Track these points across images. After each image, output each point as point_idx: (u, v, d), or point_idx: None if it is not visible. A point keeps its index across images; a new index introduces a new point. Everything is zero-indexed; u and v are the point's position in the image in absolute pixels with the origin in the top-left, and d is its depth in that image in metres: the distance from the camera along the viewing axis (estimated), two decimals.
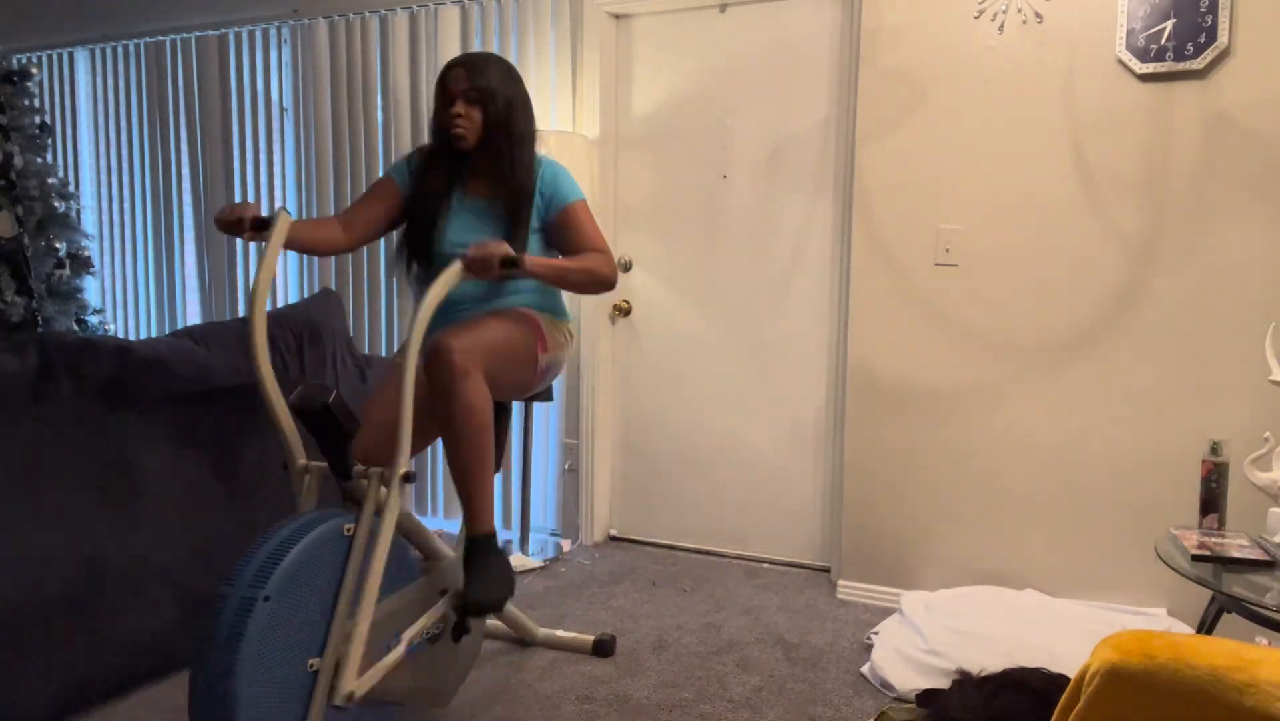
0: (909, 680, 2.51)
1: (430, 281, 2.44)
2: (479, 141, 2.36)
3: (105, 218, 4.94)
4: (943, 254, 3.08)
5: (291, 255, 4.40)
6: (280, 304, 4.45)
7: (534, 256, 2.19)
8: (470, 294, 2.39)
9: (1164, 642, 1.33)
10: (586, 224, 2.40)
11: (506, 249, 2.08)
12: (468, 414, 2.12)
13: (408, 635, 2.05)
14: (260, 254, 2.11)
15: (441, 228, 2.40)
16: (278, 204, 4.42)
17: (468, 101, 2.32)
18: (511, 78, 2.38)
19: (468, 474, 2.16)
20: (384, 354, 4.18)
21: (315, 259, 4.31)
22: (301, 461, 2.11)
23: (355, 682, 1.87)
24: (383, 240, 4.12)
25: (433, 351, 2.11)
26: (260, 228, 2.18)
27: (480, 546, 2.18)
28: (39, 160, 4.52)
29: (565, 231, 2.40)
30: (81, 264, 4.64)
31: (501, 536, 3.88)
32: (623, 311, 3.80)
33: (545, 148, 3.42)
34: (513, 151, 2.36)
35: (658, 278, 3.73)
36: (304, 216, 4.33)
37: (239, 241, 4.53)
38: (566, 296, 2.74)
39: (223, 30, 4.42)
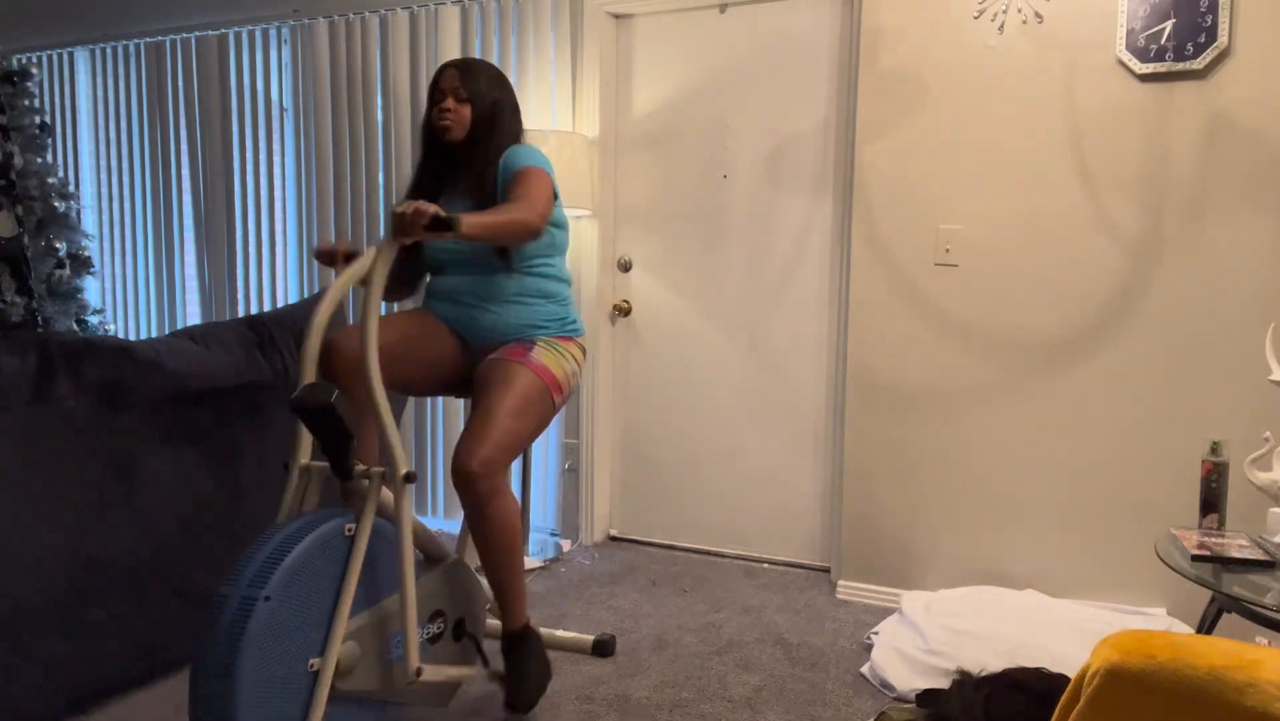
0: (909, 680, 2.51)
1: (435, 274, 2.47)
2: (466, 141, 2.38)
3: (105, 218, 4.94)
4: (943, 254, 3.08)
5: (292, 255, 4.41)
6: (280, 304, 4.45)
7: (465, 215, 2.07)
8: (474, 289, 2.39)
9: (1164, 642, 1.33)
10: (524, 180, 2.29)
11: (436, 209, 2.00)
12: (499, 530, 2.18)
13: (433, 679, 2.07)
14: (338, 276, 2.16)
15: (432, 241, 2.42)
16: (277, 203, 4.42)
17: (458, 100, 2.37)
18: (501, 84, 2.43)
19: (500, 575, 2.23)
20: None
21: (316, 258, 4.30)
22: (302, 461, 2.11)
23: (418, 661, 1.97)
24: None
25: (455, 470, 2.14)
26: (350, 260, 2.34)
27: (518, 642, 2.27)
28: (39, 160, 4.52)
29: (508, 192, 2.31)
30: (81, 264, 4.64)
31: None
32: (623, 311, 3.80)
33: (545, 148, 3.43)
34: (495, 154, 2.37)
35: (658, 278, 3.73)
36: (304, 216, 4.33)
37: (239, 242, 4.53)
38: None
39: (223, 30, 4.42)
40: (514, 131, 2.44)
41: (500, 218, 2.13)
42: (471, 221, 2.06)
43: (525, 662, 2.26)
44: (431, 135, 2.45)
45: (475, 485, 2.12)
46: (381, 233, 4.11)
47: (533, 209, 2.21)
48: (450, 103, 2.36)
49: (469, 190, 2.41)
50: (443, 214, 2.00)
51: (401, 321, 2.39)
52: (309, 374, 2.10)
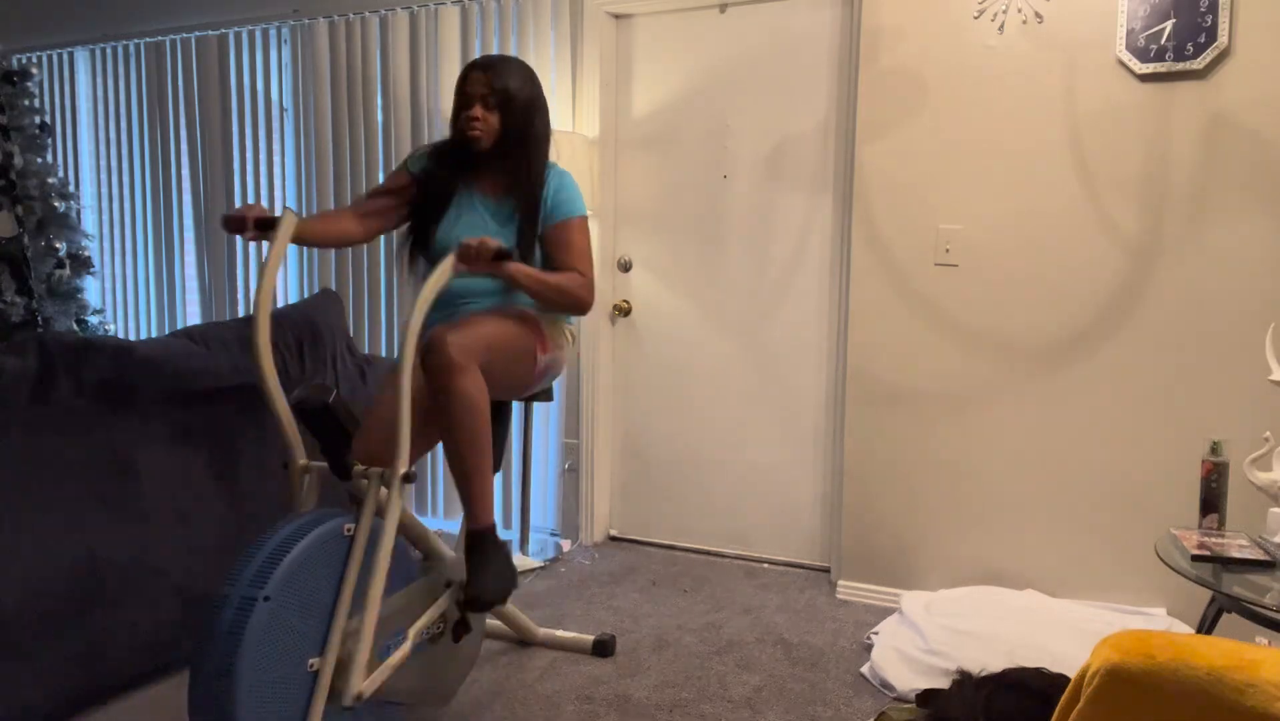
0: (909, 680, 2.51)
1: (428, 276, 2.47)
2: (495, 144, 2.35)
3: (105, 218, 4.94)
4: (943, 254, 3.08)
5: (292, 255, 4.40)
6: (280, 304, 4.45)
7: (522, 267, 2.19)
8: (475, 290, 2.39)
9: (1164, 642, 1.33)
10: (578, 242, 2.37)
11: (500, 243, 2.08)
12: (465, 408, 2.11)
13: (414, 629, 2.04)
14: (266, 254, 2.11)
15: (446, 224, 2.40)
16: (278, 203, 4.42)
17: (486, 106, 2.31)
18: (531, 80, 2.37)
19: (466, 467, 2.15)
20: (384, 354, 4.18)
21: (316, 258, 4.31)
22: (302, 461, 2.11)
23: (363, 683, 1.88)
24: (383, 239, 4.12)
25: (428, 345, 2.11)
26: (265, 227, 2.18)
27: (481, 540, 2.18)
28: (39, 160, 4.52)
29: (556, 245, 2.37)
30: (81, 264, 4.64)
31: (501, 536, 3.88)
32: (623, 311, 3.80)
33: (555, 153, 3.42)
34: (529, 155, 2.35)
35: (658, 278, 3.73)
36: (304, 216, 4.32)
37: (239, 241, 4.53)
38: None
39: (223, 30, 4.42)
40: (545, 131, 2.41)
41: (556, 281, 2.26)
42: (523, 271, 2.19)
43: (486, 561, 2.16)
44: (459, 133, 2.37)
45: (444, 351, 2.07)
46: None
47: (589, 287, 2.33)
48: (479, 110, 2.30)
49: (491, 189, 2.39)
50: (505, 247, 2.10)
51: (385, 396, 2.34)
52: (266, 360, 2.09)
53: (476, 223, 2.39)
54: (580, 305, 2.31)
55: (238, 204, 4.49)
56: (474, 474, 2.16)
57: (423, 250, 2.44)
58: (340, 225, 2.38)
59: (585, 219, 2.41)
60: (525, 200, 2.36)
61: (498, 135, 2.33)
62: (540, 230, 2.40)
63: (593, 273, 2.37)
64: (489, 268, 2.10)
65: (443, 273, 2.09)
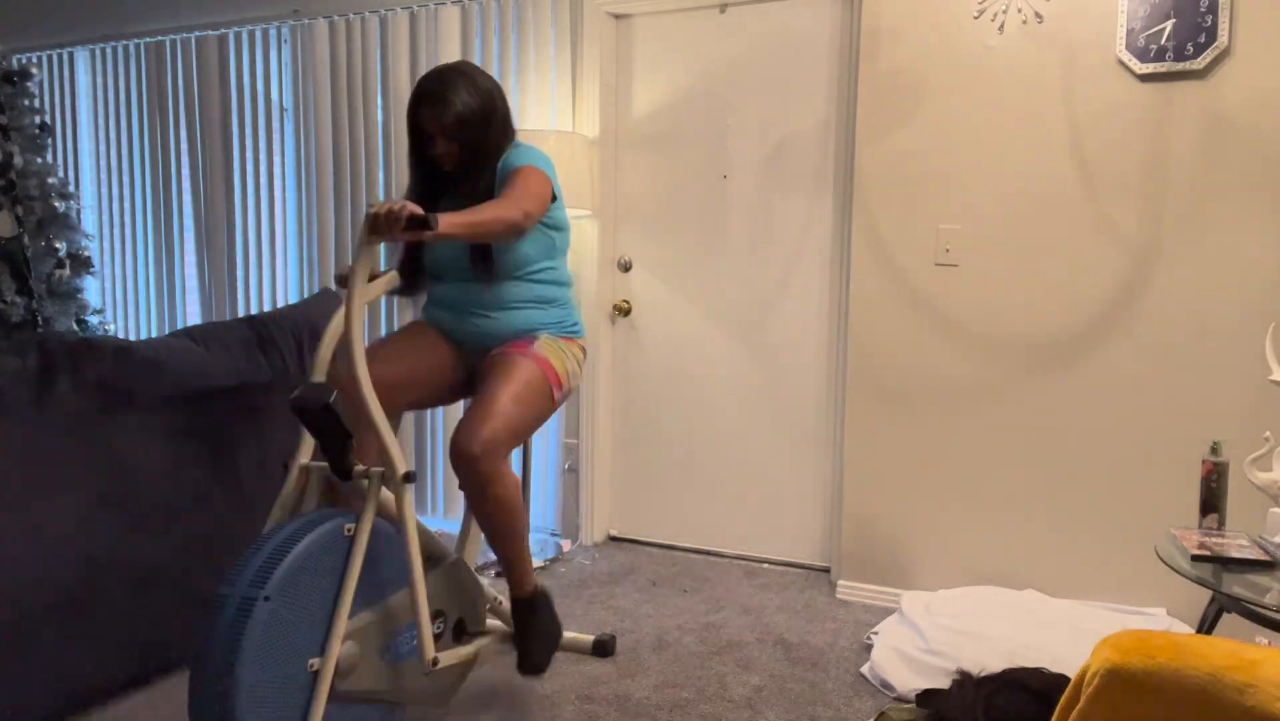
0: (909, 680, 2.51)
1: (435, 281, 2.46)
2: (460, 164, 2.34)
3: (105, 218, 4.94)
4: (943, 254, 3.08)
5: (292, 255, 4.41)
6: (280, 304, 4.45)
7: (444, 215, 2.03)
8: (483, 301, 2.37)
9: (1164, 642, 1.33)
10: (515, 177, 2.25)
11: (413, 207, 1.94)
12: (503, 510, 2.18)
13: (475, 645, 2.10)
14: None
15: (428, 248, 2.41)
16: (277, 203, 4.42)
17: (446, 137, 2.28)
18: (476, 87, 2.31)
19: (505, 545, 2.23)
20: None
21: (316, 258, 4.30)
22: (302, 461, 2.11)
23: (434, 651, 2.01)
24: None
25: (455, 452, 2.12)
26: (372, 280, 2.26)
27: (526, 608, 2.27)
28: (39, 160, 4.52)
29: (500, 191, 2.28)
30: (81, 264, 4.64)
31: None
32: (623, 311, 3.80)
33: (545, 148, 3.43)
34: (492, 157, 2.35)
35: (658, 278, 3.73)
36: (304, 216, 4.33)
37: (239, 242, 4.53)
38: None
39: (223, 30, 4.42)
40: (506, 126, 2.38)
41: (480, 215, 2.07)
42: (450, 220, 2.00)
43: (534, 625, 2.27)
44: (421, 158, 2.38)
45: (475, 466, 2.11)
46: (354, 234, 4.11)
47: (517, 206, 2.15)
48: (441, 144, 2.29)
49: (469, 195, 2.39)
50: (420, 212, 1.94)
51: (396, 347, 2.36)
52: (320, 375, 2.12)
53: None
54: (509, 224, 2.12)
55: (237, 204, 4.49)
56: (513, 552, 2.25)
57: (414, 274, 2.45)
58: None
59: (533, 166, 2.29)
60: (486, 190, 2.34)
61: (461, 155, 2.32)
62: (497, 192, 2.34)
63: (528, 202, 2.19)
64: (406, 236, 1.96)
65: (366, 256, 2.01)
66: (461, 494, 2.47)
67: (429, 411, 4.08)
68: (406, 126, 2.36)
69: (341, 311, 2.18)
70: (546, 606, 2.31)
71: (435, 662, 2.00)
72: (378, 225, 1.94)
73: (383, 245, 2.19)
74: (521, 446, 3.59)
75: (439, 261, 2.41)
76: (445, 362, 2.42)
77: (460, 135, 2.29)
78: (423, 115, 2.28)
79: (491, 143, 2.34)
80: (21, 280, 4.42)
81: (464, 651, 2.17)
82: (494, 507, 2.16)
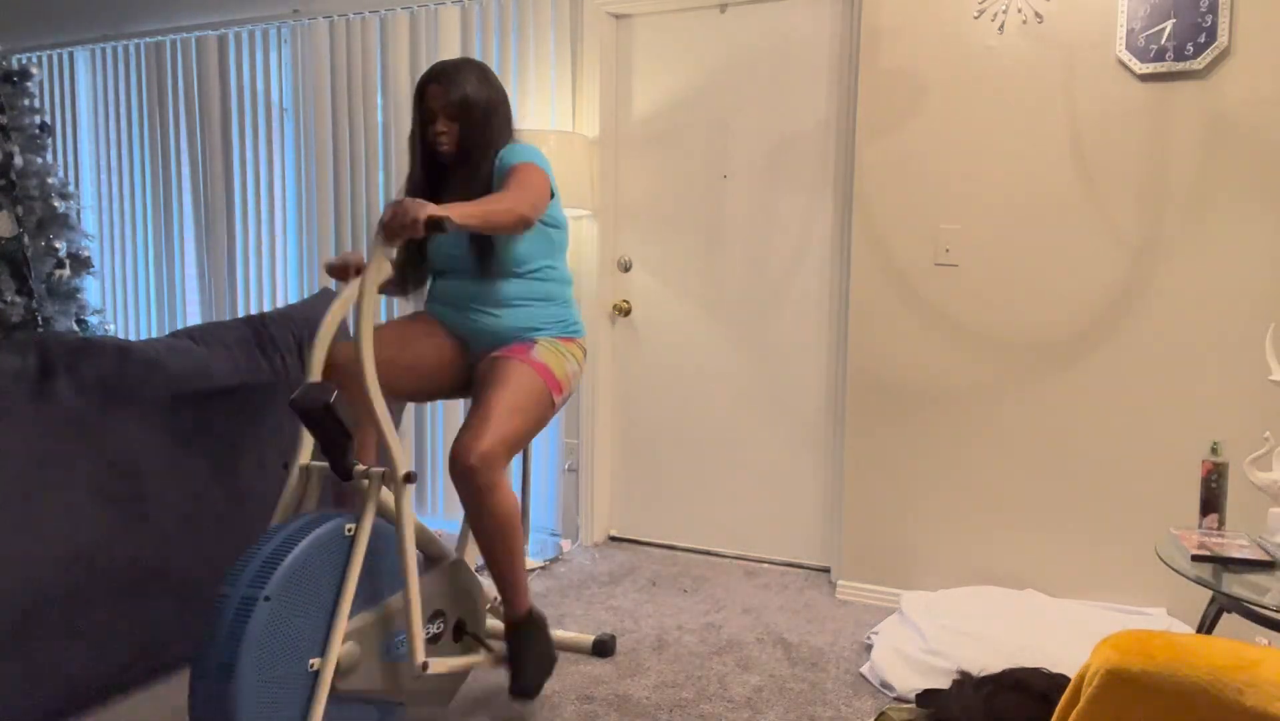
0: (909, 680, 2.51)
1: (438, 277, 2.46)
2: (459, 150, 2.36)
3: (105, 218, 4.94)
4: (943, 254, 3.08)
5: (291, 254, 4.41)
6: (280, 304, 4.45)
7: (454, 206, 2.04)
8: (483, 296, 2.37)
9: (1164, 642, 1.33)
10: (520, 175, 2.27)
11: (430, 208, 1.96)
12: (499, 522, 2.17)
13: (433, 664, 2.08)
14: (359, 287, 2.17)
15: (432, 241, 2.41)
16: (277, 202, 4.41)
17: (448, 117, 2.33)
18: (486, 81, 2.37)
19: (501, 564, 2.22)
20: None
21: (316, 258, 4.30)
22: (302, 461, 2.11)
23: (423, 656, 1.99)
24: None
25: (453, 464, 2.12)
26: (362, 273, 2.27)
27: (521, 629, 2.27)
28: (39, 160, 4.52)
29: (502, 187, 2.29)
30: (81, 264, 4.64)
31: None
32: (623, 311, 3.80)
33: (545, 148, 3.43)
34: (491, 154, 2.36)
35: (658, 278, 3.73)
36: (304, 216, 4.33)
37: (239, 242, 4.53)
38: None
39: (223, 30, 4.42)
40: (507, 127, 2.41)
41: (490, 205, 2.09)
42: (463, 211, 2.02)
43: (528, 649, 2.27)
44: (423, 144, 2.40)
45: (473, 479, 2.12)
46: (368, 237, 4.11)
47: (524, 198, 2.17)
48: (441, 123, 2.33)
49: (468, 192, 2.40)
50: (436, 212, 1.96)
51: (400, 332, 2.38)
52: (316, 375, 2.12)
53: (456, 232, 2.38)
54: (517, 216, 2.14)
55: (237, 204, 4.49)
56: (509, 568, 2.24)
57: (415, 270, 2.46)
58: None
59: (532, 163, 2.31)
60: (482, 189, 2.35)
61: (460, 141, 2.35)
62: (495, 189, 2.35)
63: (533, 196, 2.22)
64: (421, 234, 1.98)
65: (377, 260, 2.01)
66: None
67: (429, 412, 4.08)
68: (412, 107, 2.39)
69: (332, 310, 2.16)
70: (541, 629, 2.31)
71: (425, 666, 1.99)
72: (392, 231, 1.97)
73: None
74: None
75: (441, 257, 2.41)
76: (446, 356, 2.42)
77: (461, 118, 2.32)
78: (429, 91, 2.33)
79: (490, 137, 2.36)
80: (21, 280, 4.42)
81: (455, 662, 2.16)
82: (491, 521, 2.16)
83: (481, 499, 2.14)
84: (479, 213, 2.06)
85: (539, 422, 2.31)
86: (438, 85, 2.32)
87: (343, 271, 2.33)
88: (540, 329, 2.39)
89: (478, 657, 2.26)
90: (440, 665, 2.08)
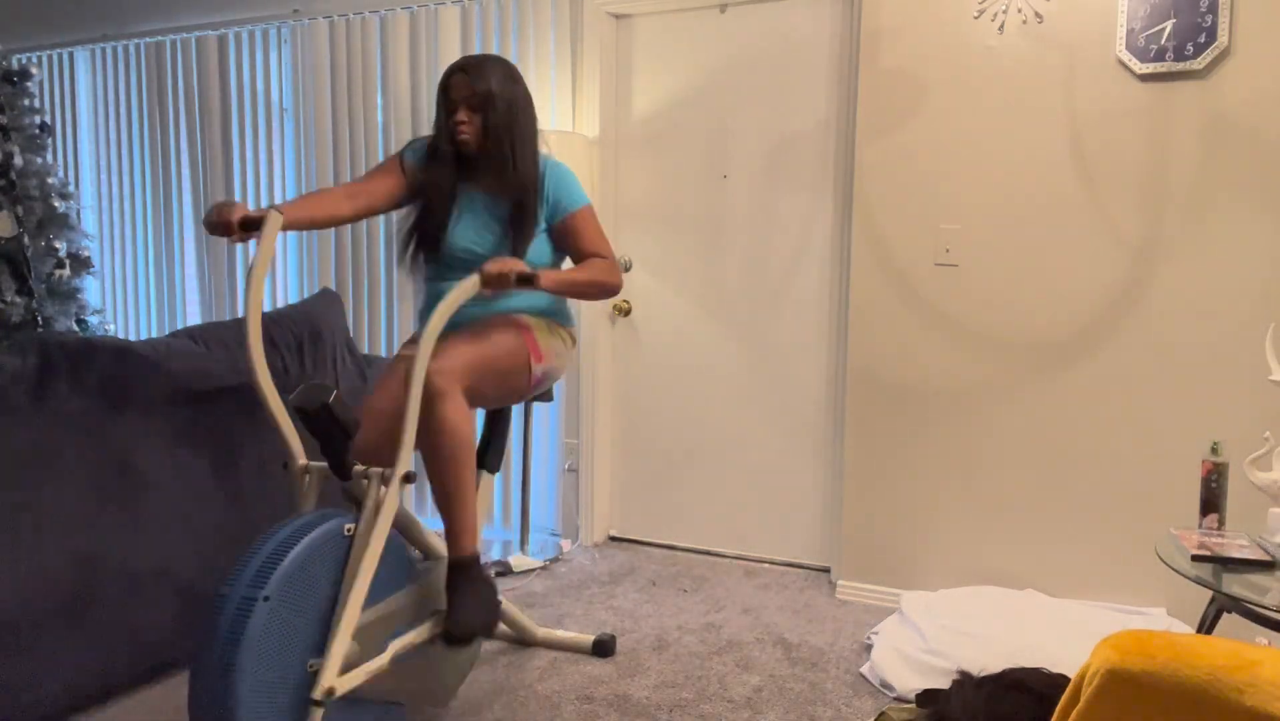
0: (909, 680, 2.51)
1: (438, 280, 2.46)
2: (481, 144, 2.36)
3: (105, 218, 4.94)
4: (943, 254, 3.08)
5: (291, 254, 4.40)
6: (280, 304, 4.45)
7: (548, 272, 2.21)
8: (477, 296, 2.38)
9: (1164, 642, 1.33)
10: (590, 230, 2.43)
11: (523, 266, 2.12)
12: (445, 434, 2.12)
13: (394, 647, 2.03)
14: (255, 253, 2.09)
15: (450, 225, 2.40)
16: (277, 202, 4.41)
17: (470, 108, 2.33)
18: (512, 78, 2.39)
19: (447, 494, 2.15)
20: (384, 354, 4.18)
21: (316, 258, 4.30)
22: (301, 461, 2.11)
23: (335, 680, 1.85)
24: (382, 239, 4.12)
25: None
26: (250, 228, 2.13)
27: (463, 570, 2.15)
28: (39, 160, 4.52)
29: (569, 237, 2.43)
30: (81, 264, 4.64)
31: (501, 536, 3.89)
32: (623, 311, 3.80)
33: (546, 147, 3.42)
34: (515, 152, 2.37)
35: (658, 278, 3.73)
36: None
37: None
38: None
39: (223, 30, 4.42)
40: (531, 126, 2.42)
41: (584, 277, 2.30)
42: (554, 278, 2.21)
43: (465, 591, 2.13)
44: (446, 137, 2.38)
45: (428, 382, 2.09)
46: (382, 232, 4.11)
47: (613, 269, 2.37)
48: (464, 113, 2.33)
49: (487, 188, 2.40)
50: (527, 270, 2.13)
51: (392, 383, 2.36)
52: (259, 366, 2.06)
53: (475, 223, 2.40)
54: (611, 288, 2.37)
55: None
56: (455, 500, 2.15)
57: (429, 252, 2.44)
58: (328, 205, 2.29)
59: (590, 206, 2.46)
60: (516, 198, 2.37)
61: (483, 135, 2.35)
62: (548, 226, 2.43)
63: (613, 253, 2.43)
64: (514, 288, 2.14)
65: (463, 291, 2.11)
66: None
67: None
68: (436, 101, 2.40)
69: (251, 299, 2.09)
70: (484, 575, 2.19)
71: (331, 692, 1.84)
72: (490, 281, 2.11)
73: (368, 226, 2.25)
74: (522, 447, 3.60)
75: (453, 258, 2.40)
76: None
77: (484, 110, 2.33)
78: (454, 81, 2.34)
79: (515, 134, 2.37)
80: (21, 280, 4.42)
81: (412, 638, 2.04)
82: (439, 438, 2.10)
83: (431, 406, 2.09)
84: (570, 280, 2.27)
85: (511, 374, 2.28)
86: (463, 75, 2.33)
87: (226, 227, 2.12)
88: (529, 313, 2.42)
89: (425, 625, 2.14)
90: (345, 681, 1.91)
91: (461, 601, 2.11)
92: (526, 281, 2.13)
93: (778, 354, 3.57)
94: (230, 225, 2.11)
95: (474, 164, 2.41)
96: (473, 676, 2.60)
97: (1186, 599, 2.86)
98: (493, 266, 2.11)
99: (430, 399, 2.10)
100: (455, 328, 2.38)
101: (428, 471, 2.16)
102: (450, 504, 2.15)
